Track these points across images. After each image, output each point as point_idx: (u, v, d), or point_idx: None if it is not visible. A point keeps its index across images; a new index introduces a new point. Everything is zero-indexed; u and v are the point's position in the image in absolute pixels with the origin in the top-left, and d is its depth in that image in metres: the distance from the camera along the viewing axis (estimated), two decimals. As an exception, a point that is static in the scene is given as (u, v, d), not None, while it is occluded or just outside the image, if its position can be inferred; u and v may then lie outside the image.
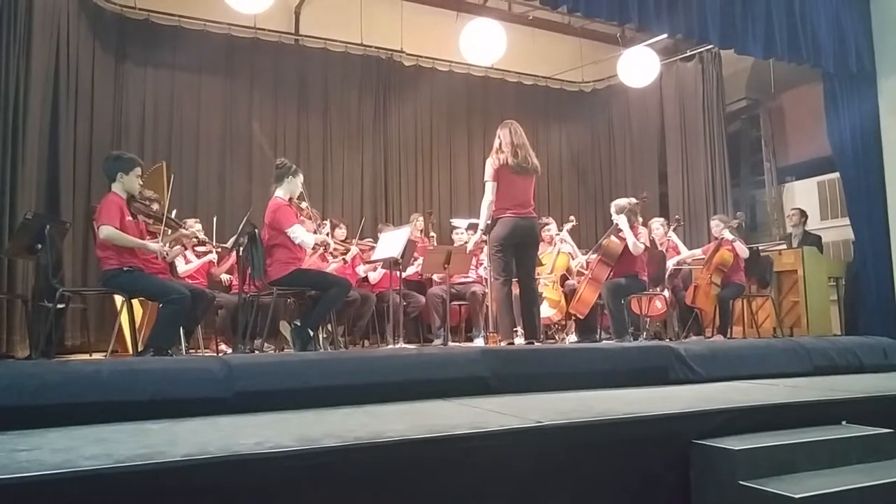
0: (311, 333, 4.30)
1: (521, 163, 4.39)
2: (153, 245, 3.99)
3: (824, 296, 6.38)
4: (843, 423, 2.85)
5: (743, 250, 5.80)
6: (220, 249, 5.40)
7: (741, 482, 2.33)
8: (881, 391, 3.26)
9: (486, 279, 5.67)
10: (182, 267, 5.23)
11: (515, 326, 4.63)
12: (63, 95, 5.73)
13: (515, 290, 4.55)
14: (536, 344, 4.35)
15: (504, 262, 4.40)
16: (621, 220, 5.36)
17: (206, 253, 5.44)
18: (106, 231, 3.78)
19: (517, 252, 4.45)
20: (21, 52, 4.95)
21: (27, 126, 4.98)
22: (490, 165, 4.47)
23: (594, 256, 5.75)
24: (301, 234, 4.40)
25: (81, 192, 5.98)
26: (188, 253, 5.37)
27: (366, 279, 6.06)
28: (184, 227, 4.55)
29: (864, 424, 2.80)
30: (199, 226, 5.37)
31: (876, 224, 6.14)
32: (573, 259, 6.33)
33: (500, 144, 4.45)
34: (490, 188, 4.46)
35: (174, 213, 4.65)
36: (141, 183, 4.13)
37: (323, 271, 5.06)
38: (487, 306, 5.82)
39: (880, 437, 2.69)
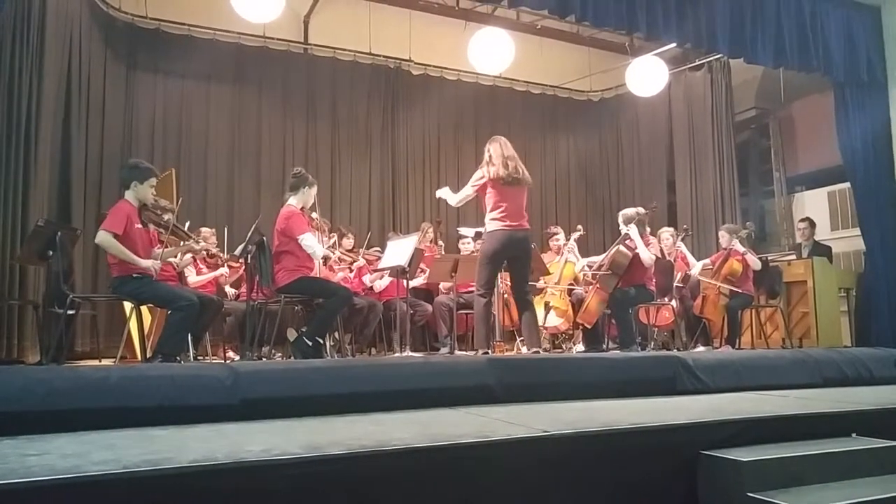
0: (311, 343, 4.29)
1: (512, 173, 4.40)
2: (144, 262, 3.83)
3: (834, 307, 6.31)
4: (853, 435, 2.83)
5: (755, 262, 5.76)
6: (231, 263, 5.38)
7: (749, 494, 2.31)
8: (892, 403, 3.23)
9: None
10: (192, 278, 5.22)
11: (517, 338, 4.63)
12: (75, 103, 5.79)
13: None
14: (542, 353, 4.34)
15: (489, 276, 4.40)
16: (632, 231, 5.35)
17: (217, 266, 5.42)
18: (99, 237, 3.79)
19: (510, 265, 4.44)
20: (34, 61, 5.01)
21: (39, 133, 5.03)
22: (478, 176, 4.50)
23: (603, 263, 5.72)
24: (312, 242, 4.42)
25: (92, 200, 6.03)
26: (199, 262, 5.36)
27: (372, 288, 6.06)
28: (195, 240, 4.54)
29: (874, 437, 2.78)
30: (214, 238, 5.37)
31: (887, 234, 6.08)
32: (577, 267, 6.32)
33: (490, 157, 4.46)
34: (467, 191, 4.55)
35: (187, 225, 4.64)
36: (155, 193, 4.15)
37: (327, 280, 5.06)
38: (494, 315, 5.80)
39: (890, 450, 2.67)
